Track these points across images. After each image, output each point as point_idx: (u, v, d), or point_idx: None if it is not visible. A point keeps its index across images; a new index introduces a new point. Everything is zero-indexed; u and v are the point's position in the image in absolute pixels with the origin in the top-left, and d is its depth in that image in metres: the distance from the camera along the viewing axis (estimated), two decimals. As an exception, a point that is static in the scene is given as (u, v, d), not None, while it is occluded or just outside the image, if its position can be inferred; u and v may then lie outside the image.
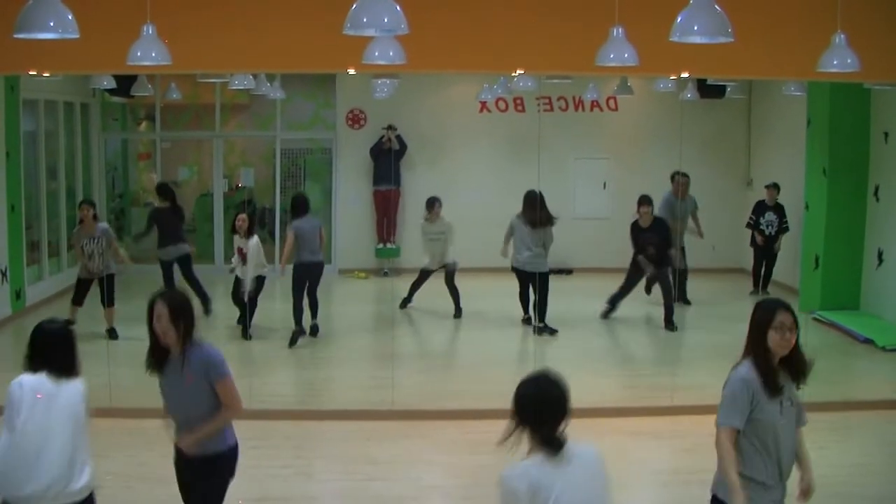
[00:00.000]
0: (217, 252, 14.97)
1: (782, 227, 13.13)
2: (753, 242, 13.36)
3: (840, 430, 7.34)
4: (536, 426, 3.42)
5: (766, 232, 13.17)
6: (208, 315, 11.40)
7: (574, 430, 3.50)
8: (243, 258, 10.65)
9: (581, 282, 13.86)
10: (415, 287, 12.18)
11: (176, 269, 11.58)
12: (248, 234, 10.68)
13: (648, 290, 12.59)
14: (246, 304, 10.51)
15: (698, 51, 6.13)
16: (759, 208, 13.28)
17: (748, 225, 13.44)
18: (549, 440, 3.41)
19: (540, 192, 10.98)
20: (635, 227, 11.42)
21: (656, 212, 11.67)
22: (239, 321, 10.86)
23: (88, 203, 10.82)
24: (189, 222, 16.16)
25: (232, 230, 11.04)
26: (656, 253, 11.15)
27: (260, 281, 10.70)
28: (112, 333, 10.53)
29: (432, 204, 11.86)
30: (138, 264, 13.62)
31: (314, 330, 10.79)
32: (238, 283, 10.88)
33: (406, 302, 12.27)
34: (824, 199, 11.92)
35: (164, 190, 11.94)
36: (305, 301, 10.64)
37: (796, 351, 4.24)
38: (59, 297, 12.53)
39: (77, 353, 4.59)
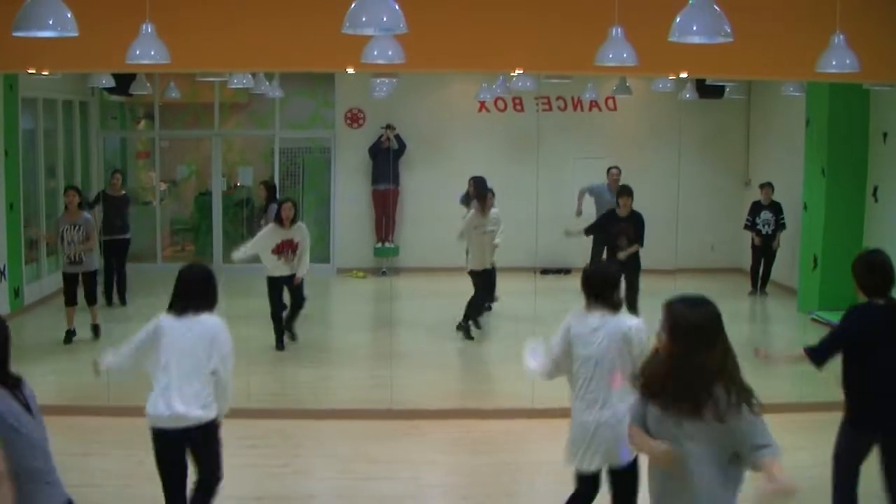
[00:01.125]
0: (216, 250, 14.94)
1: (780, 225, 13.14)
2: (753, 243, 13.38)
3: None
4: (586, 293, 5.27)
5: (763, 231, 13.19)
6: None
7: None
8: (293, 249, 10.04)
9: (577, 281, 13.81)
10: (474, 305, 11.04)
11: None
12: (294, 222, 10.05)
13: None
14: (281, 314, 10.23)
15: (697, 51, 6.14)
16: (755, 208, 13.30)
17: (746, 227, 13.46)
18: (589, 300, 5.26)
19: (483, 178, 10.96)
20: (611, 215, 11.01)
21: (586, 198, 12.94)
22: (280, 331, 10.27)
23: (74, 189, 10.71)
24: (188, 220, 16.19)
25: (278, 220, 9.98)
26: (628, 244, 10.92)
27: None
28: (96, 331, 10.52)
29: (485, 195, 10.83)
30: (138, 263, 13.68)
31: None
32: (274, 283, 10.13)
33: (486, 308, 11.57)
34: (823, 199, 11.91)
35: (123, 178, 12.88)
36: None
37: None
38: (57, 295, 12.47)
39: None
